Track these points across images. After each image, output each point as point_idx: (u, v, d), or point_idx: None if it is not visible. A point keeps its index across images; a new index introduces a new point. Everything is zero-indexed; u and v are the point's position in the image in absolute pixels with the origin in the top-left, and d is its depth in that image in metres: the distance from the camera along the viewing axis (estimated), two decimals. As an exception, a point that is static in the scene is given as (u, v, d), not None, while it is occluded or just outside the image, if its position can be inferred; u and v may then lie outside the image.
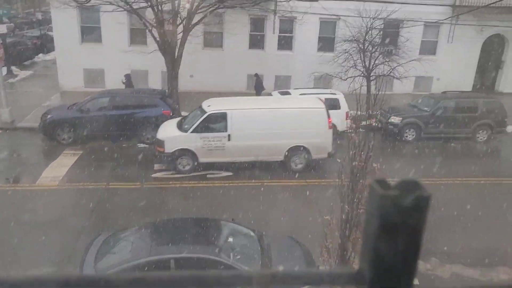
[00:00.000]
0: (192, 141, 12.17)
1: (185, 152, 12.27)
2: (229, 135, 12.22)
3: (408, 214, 0.46)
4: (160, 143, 12.33)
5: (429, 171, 12.60)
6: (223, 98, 14.22)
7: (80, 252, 7.46)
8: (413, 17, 18.93)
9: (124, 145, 14.36)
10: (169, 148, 12.17)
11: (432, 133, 15.86)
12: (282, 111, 12.58)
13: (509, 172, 13.51)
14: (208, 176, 12.39)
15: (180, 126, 12.79)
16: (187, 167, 12.40)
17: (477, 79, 23.82)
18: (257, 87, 18.51)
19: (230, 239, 7.47)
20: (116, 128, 14.18)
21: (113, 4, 14.98)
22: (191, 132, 12.24)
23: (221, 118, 12.36)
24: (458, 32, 21.92)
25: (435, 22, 20.47)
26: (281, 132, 12.25)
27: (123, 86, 17.50)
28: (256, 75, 18.53)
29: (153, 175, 12.35)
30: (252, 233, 7.66)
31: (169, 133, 12.60)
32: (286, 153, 12.60)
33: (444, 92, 17.50)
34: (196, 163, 12.39)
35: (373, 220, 0.48)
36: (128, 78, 17.78)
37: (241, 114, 12.35)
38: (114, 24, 18.83)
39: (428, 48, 22.60)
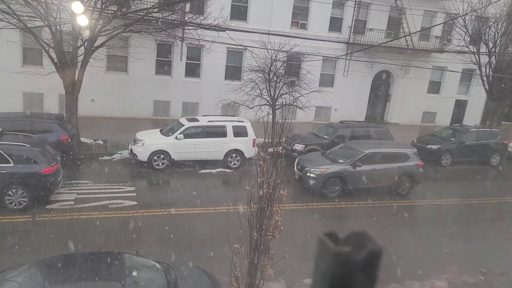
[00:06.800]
0: None
1: None
2: None
3: (361, 269, 0.44)
4: None
5: (331, 198, 13.29)
6: None
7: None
8: (313, 52, 20.29)
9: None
10: None
11: (332, 159, 16.84)
12: None
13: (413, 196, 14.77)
14: (110, 206, 11.67)
15: None
16: None
17: (369, 110, 26.14)
18: None
19: (134, 273, 7.02)
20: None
21: (3, 21, 13.75)
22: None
23: None
24: (352, 67, 23.99)
25: (332, 57, 22.17)
26: None
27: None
28: None
29: (48, 206, 11.28)
30: (158, 265, 7.30)
31: None
32: None
33: (342, 122, 18.86)
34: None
35: (325, 276, 0.45)
36: None
37: None
38: (4, 42, 17.29)
39: (327, 80, 24.34)
